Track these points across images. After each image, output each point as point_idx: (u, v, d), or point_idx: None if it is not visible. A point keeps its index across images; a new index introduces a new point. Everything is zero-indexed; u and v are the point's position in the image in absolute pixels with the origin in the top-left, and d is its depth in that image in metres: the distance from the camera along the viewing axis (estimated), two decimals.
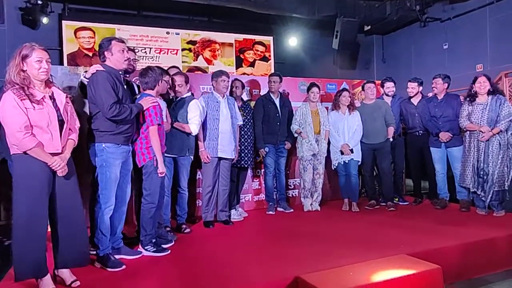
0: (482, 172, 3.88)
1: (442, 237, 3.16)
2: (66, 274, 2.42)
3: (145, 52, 7.85)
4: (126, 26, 7.77)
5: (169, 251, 3.04)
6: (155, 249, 3.00)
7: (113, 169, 2.72)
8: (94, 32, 7.61)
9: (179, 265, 2.80)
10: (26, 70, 2.20)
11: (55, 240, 2.36)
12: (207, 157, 3.80)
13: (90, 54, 7.54)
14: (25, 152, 2.17)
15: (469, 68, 7.17)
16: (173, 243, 3.23)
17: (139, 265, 2.79)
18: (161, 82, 3.10)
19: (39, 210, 2.22)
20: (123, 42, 2.84)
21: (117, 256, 2.87)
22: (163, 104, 3.38)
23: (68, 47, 7.41)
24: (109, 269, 2.66)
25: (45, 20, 6.91)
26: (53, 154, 2.25)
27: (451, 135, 4.19)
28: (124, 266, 2.70)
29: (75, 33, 7.50)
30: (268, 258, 2.83)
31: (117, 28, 7.74)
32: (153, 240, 3.05)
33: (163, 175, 2.99)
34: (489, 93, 3.92)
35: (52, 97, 2.29)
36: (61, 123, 2.30)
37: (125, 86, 2.87)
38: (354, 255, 2.79)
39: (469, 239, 3.10)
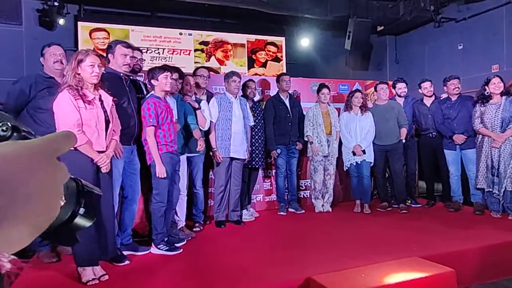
0: (494, 170, 3.83)
1: (456, 240, 3.13)
2: (96, 267, 2.53)
3: (158, 53, 7.92)
4: (139, 27, 7.84)
5: (181, 250, 3.08)
6: (167, 247, 3.04)
7: (113, 169, 2.77)
8: (108, 33, 7.70)
9: (191, 264, 2.83)
10: (80, 74, 2.39)
11: (97, 231, 2.46)
12: (220, 157, 3.83)
13: (105, 54, 7.64)
14: (75, 148, 2.32)
15: (484, 69, 7.05)
16: (185, 242, 3.26)
17: (152, 263, 2.83)
18: (157, 80, 3.03)
19: None
20: (129, 47, 2.97)
21: (126, 252, 2.97)
22: (172, 103, 3.39)
23: (84, 48, 7.53)
24: (114, 263, 2.73)
25: (61, 21, 7.03)
26: (98, 152, 2.44)
27: (466, 137, 4.13)
28: (127, 262, 2.78)
29: (90, 34, 7.61)
30: (280, 259, 2.84)
31: (131, 29, 7.82)
32: (165, 239, 3.09)
33: (162, 175, 2.98)
34: (502, 94, 3.88)
35: (100, 99, 2.49)
36: (107, 123, 2.49)
37: (127, 87, 2.97)
38: (366, 257, 2.77)
39: (483, 243, 3.06)
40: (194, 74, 4.01)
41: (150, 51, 7.84)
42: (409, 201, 4.66)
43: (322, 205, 4.51)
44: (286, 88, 4.43)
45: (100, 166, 2.44)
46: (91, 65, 2.40)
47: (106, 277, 2.49)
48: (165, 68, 3.17)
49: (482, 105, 3.95)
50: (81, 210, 0.43)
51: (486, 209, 4.06)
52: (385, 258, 2.70)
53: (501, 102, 3.83)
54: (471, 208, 4.22)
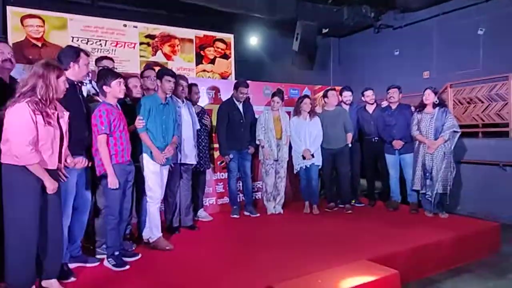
0: (427, 174, 4.24)
1: (397, 241, 3.43)
2: (54, 284, 2.46)
3: (100, 44, 7.47)
4: (79, 16, 7.32)
5: (129, 266, 2.94)
6: (114, 263, 2.93)
7: (67, 181, 2.65)
8: (43, 21, 7.09)
9: (146, 275, 2.78)
10: (55, 88, 2.26)
11: (42, 252, 2.38)
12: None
13: (39, 44, 7.03)
14: (24, 166, 2.20)
15: (417, 74, 7.69)
16: (139, 256, 3.16)
17: (104, 277, 2.75)
18: (110, 86, 2.91)
19: (31, 221, 2.25)
20: (88, 55, 2.87)
21: (75, 264, 2.87)
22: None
23: (14, 36, 6.84)
24: (59, 280, 2.56)
25: None
26: (50, 170, 2.31)
27: (403, 143, 4.51)
28: (73, 279, 2.67)
29: (21, 20, 6.94)
30: (238, 267, 2.91)
31: (69, 17, 7.26)
32: (116, 253, 2.99)
33: (115, 186, 2.89)
34: (436, 105, 4.26)
35: (56, 115, 2.36)
36: (61, 141, 2.38)
37: (80, 95, 2.89)
38: (320, 260, 2.95)
39: (419, 242, 3.39)
40: (141, 76, 3.85)
41: (91, 42, 7.37)
42: (353, 201, 4.98)
43: (274, 207, 4.66)
44: (241, 99, 4.44)
45: (48, 188, 2.29)
46: (64, 81, 2.36)
47: None
48: (117, 74, 3.04)
49: (419, 113, 4.33)
50: None
51: (420, 207, 4.48)
52: (337, 260, 2.92)
53: (435, 112, 4.23)
54: (407, 206, 4.64)
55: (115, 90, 2.93)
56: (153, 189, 3.36)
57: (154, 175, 3.35)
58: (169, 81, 3.44)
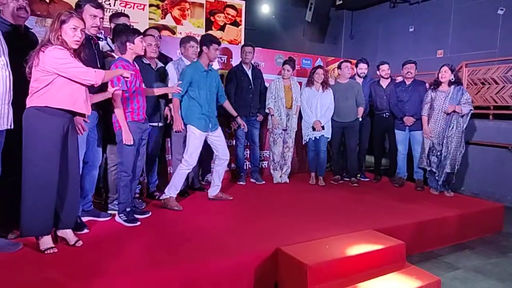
0: (438, 153, 4.23)
1: (401, 215, 3.47)
2: (69, 234, 2.50)
3: (109, 4, 7.28)
4: None
5: (139, 222, 2.99)
6: (126, 218, 2.98)
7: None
8: None
9: (157, 234, 2.81)
10: (61, 36, 2.24)
11: (60, 202, 2.40)
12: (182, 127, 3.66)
13: (47, 0, 6.86)
14: (49, 107, 2.21)
15: (430, 53, 7.55)
16: (149, 214, 3.21)
17: (116, 231, 2.80)
18: (133, 43, 2.87)
19: (52, 168, 2.26)
20: (99, 7, 2.79)
21: (87, 218, 2.92)
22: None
23: None
24: (73, 231, 2.59)
25: None
26: (79, 114, 2.38)
27: (415, 120, 4.47)
28: (86, 230, 2.73)
29: None
30: (246, 230, 2.95)
31: None
32: (128, 209, 3.02)
33: (129, 143, 2.88)
34: (451, 83, 4.19)
35: None
36: (86, 91, 2.40)
37: (95, 50, 2.86)
38: (326, 228, 2.99)
39: (424, 217, 3.43)
40: (144, 34, 3.77)
41: (99, 1, 7.19)
42: (359, 175, 5.00)
43: (280, 176, 4.69)
44: (246, 60, 4.37)
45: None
46: (74, 28, 2.27)
47: (80, 242, 2.48)
48: (138, 30, 3.01)
49: (433, 91, 4.27)
50: None
51: (426, 185, 4.50)
52: (344, 229, 2.95)
53: (450, 91, 4.17)
54: (413, 184, 4.66)
55: (138, 47, 2.92)
56: (193, 156, 3.44)
57: (198, 142, 3.45)
58: (217, 49, 3.54)
